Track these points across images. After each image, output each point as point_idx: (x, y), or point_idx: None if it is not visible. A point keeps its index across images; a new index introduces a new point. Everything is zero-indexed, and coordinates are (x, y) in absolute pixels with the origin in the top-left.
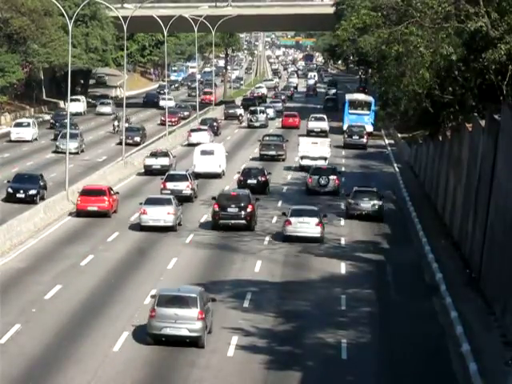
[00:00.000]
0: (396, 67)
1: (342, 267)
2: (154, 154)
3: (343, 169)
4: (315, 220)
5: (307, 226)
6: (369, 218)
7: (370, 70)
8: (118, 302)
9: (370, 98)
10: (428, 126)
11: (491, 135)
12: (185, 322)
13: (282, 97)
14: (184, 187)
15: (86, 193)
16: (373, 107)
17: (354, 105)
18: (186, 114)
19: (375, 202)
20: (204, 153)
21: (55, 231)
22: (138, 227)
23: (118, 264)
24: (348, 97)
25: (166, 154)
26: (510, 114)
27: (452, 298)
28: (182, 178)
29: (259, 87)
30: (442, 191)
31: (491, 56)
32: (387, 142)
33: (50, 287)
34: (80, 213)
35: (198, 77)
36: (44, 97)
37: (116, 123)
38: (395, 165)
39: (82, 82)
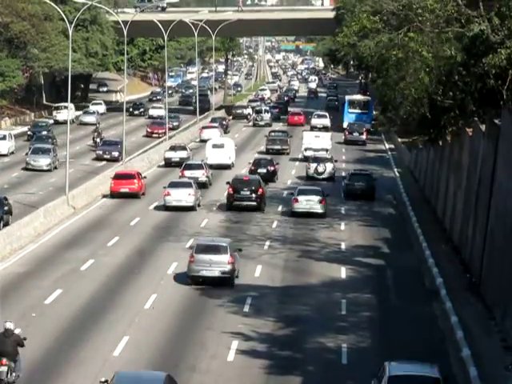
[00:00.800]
0: (396, 72)
1: (343, 272)
2: (172, 148)
3: (343, 173)
4: (319, 198)
5: (312, 203)
6: (362, 196)
7: (370, 75)
8: (118, 307)
9: (368, 98)
10: (428, 131)
11: (491, 140)
12: (218, 265)
13: (286, 98)
14: (200, 175)
15: (119, 177)
16: (371, 107)
17: (353, 104)
18: (175, 124)
19: (368, 182)
20: (215, 146)
21: (55, 236)
22: (136, 232)
23: (118, 269)
24: (347, 97)
25: (183, 148)
26: (510, 119)
27: (452, 303)
28: (198, 166)
29: (263, 89)
30: (442, 196)
31: (491, 61)
32: (387, 146)
33: (50, 292)
34: (113, 194)
35: (195, 82)
36: (44, 101)
37: (96, 135)
38: (395, 169)
39: (83, 86)
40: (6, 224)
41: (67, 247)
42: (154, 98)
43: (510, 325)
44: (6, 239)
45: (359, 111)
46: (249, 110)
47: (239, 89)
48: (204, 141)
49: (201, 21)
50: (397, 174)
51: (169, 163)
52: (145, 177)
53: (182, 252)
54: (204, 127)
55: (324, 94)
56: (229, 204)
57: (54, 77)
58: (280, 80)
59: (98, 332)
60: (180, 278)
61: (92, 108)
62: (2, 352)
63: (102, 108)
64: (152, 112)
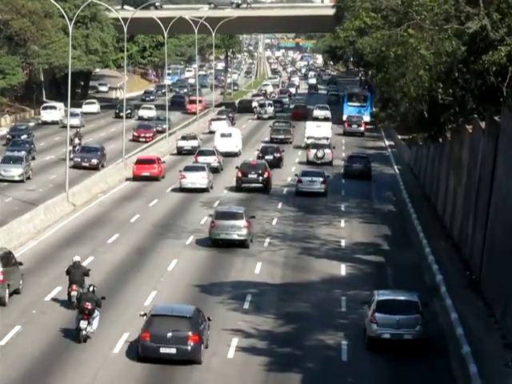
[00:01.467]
0: (396, 69)
1: (342, 269)
2: (184, 138)
3: (343, 170)
4: (320, 179)
5: (314, 184)
6: (360, 176)
7: (370, 72)
8: (118, 304)
9: (366, 92)
10: (428, 128)
11: (491, 137)
12: (235, 229)
13: (287, 93)
14: (212, 160)
15: (140, 162)
16: (369, 100)
17: (352, 98)
18: (164, 126)
19: (365, 164)
20: (223, 135)
21: (55, 233)
22: (136, 229)
23: (118, 266)
24: (347, 91)
25: (194, 137)
26: (510, 116)
27: (452, 300)
28: (211, 153)
29: (265, 85)
30: (442, 193)
31: (491, 58)
32: (387, 143)
33: (50, 289)
34: (136, 178)
35: (192, 81)
36: (44, 98)
37: (76, 141)
38: (395, 166)
39: (82, 83)
40: None
41: (67, 244)
42: (147, 98)
43: (510, 322)
44: (6, 236)
45: (358, 104)
46: (255, 103)
47: (236, 87)
48: (212, 132)
49: (201, 18)
50: (397, 171)
51: (181, 151)
52: (164, 162)
53: (182, 249)
54: (213, 119)
55: (324, 91)
56: (238, 186)
57: (54, 74)
58: (280, 76)
59: (97, 329)
60: (180, 274)
61: (85, 108)
62: (73, 280)
63: (95, 107)
64: (142, 113)
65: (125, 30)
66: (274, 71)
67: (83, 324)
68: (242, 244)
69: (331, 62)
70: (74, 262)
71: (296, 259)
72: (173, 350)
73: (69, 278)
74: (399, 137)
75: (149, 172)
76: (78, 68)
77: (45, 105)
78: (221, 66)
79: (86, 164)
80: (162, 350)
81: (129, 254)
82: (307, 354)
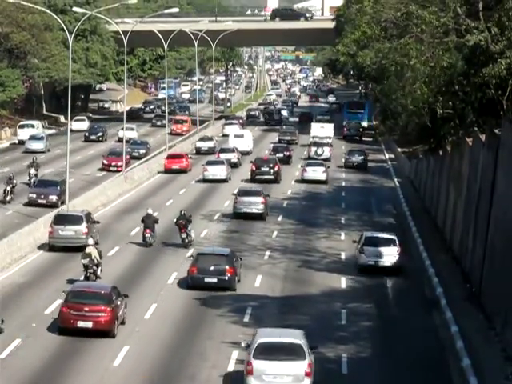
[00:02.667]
0: (396, 81)
1: (343, 282)
2: (202, 139)
3: (343, 183)
4: (322, 169)
5: (317, 173)
6: (358, 167)
7: (370, 85)
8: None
9: (364, 101)
10: (428, 141)
11: (491, 150)
12: (255, 205)
13: (290, 102)
14: (232, 157)
15: (171, 157)
16: (367, 108)
17: (352, 106)
18: (141, 152)
19: (362, 157)
20: (236, 136)
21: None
22: (136, 242)
23: (118, 278)
24: (346, 100)
25: (211, 139)
26: (510, 129)
27: (452, 313)
28: (231, 150)
29: (269, 94)
30: (443, 206)
31: (491, 71)
32: (387, 156)
33: (51, 302)
34: (167, 171)
35: (187, 96)
36: (44, 111)
37: (33, 171)
38: (395, 179)
39: (83, 96)
40: None
41: (68, 257)
42: (147, 108)
43: (510, 335)
44: (7, 249)
45: (356, 111)
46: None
47: (228, 104)
48: (226, 135)
49: (201, 31)
50: (397, 183)
51: (199, 151)
52: (191, 157)
53: (183, 262)
54: (225, 124)
55: (323, 102)
56: (252, 177)
57: (54, 87)
58: (280, 88)
59: (97, 341)
60: (180, 287)
61: (75, 125)
62: (147, 226)
63: (85, 125)
64: (122, 134)
65: (125, 43)
66: (274, 82)
67: (183, 235)
68: (259, 216)
69: (331, 75)
70: (147, 214)
71: (296, 272)
72: (214, 280)
73: (143, 224)
74: (399, 149)
75: (178, 165)
76: (78, 81)
77: (21, 123)
78: (219, 79)
79: (43, 201)
80: (206, 280)
81: (129, 267)
82: None
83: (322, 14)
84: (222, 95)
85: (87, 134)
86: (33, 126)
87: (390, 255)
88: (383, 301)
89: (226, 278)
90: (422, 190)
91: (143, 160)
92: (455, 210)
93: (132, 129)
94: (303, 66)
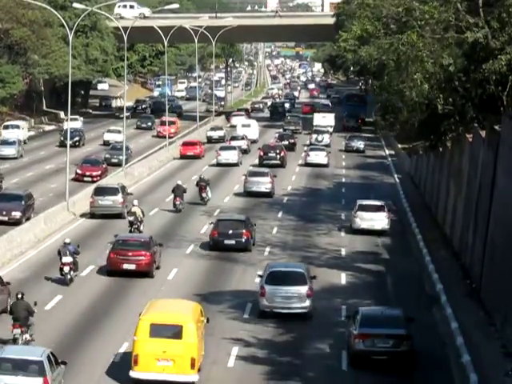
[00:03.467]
0: (396, 77)
1: (343, 278)
2: (213, 129)
3: (343, 180)
4: (324, 153)
5: (319, 157)
6: (357, 152)
7: (370, 81)
8: (118, 313)
9: (362, 94)
10: (428, 137)
11: (491, 146)
12: (263, 184)
13: (292, 96)
14: (243, 144)
15: (186, 144)
16: (365, 100)
17: (351, 98)
18: (120, 158)
19: (361, 141)
20: (244, 125)
21: (56, 242)
22: None
23: (118, 274)
24: (346, 92)
25: (221, 128)
26: (510, 125)
27: (452, 309)
28: (241, 138)
29: (271, 88)
30: (443, 202)
31: (491, 67)
32: (387, 152)
33: (51, 298)
34: (182, 156)
35: (183, 93)
36: (44, 107)
37: None
38: (395, 175)
39: (83, 92)
40: None
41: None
42: (140, 108)
43: (510, 331)
44: (7, 245)
45: (355, 103)
46: (266, 101)
47: (222, 103)
48: (233, 126)
49: (201, 27)
50: (397, 180)
51: (210, 140)
52: (204, 143)
53: (183, 258)
54: (233, 115)
55: (323, 96)
56: (260, 162)
57: (55, 83)
58: (280, 82)
59: (98, 337)
60: (180, 284)
61: (67, 126)
62: (177, 195)
63: (78, 124)
64: (108, 137)
65: (125, 39)
66: (274, 77)
67: (204, 194)
68: (267, 194)
69: (331, 71)
70: (177, 184)
71: None
72: (233, 242)
73: (173, 194)
74: (399, 146)
75: (192, 152)
76: (78, 77)
77: (6, 123)
78: (217, 77)
79: (5, 218)
80: (226, 242)
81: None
82: (307, 363)
83: (322, 10)
84: (218, 93)
85: (62, 139)
86: (18, 127)
87: (380, 220)
88: (383, 297)
89: (243, 240)
90: (422, 186)
91: (140, 158)
92: (455, 206)
93: (118, 131)
94: (302, 61)
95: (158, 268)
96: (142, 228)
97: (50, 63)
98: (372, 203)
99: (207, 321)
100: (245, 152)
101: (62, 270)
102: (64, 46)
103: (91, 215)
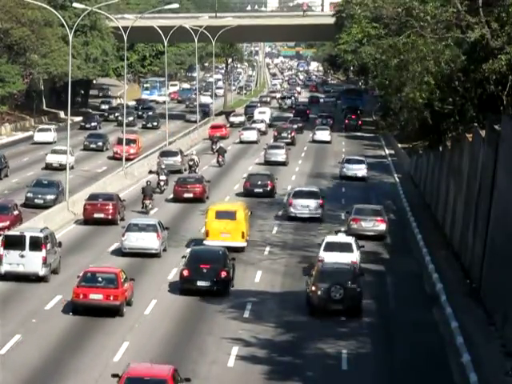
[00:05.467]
0: (397, 77)
1: None
2: (235, 115)
3: (343, 179)
4: (327, 132)
5: (323, 136)
6: (355, 129)
7: (369, 81)
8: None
9: (359, 88)
10: (428, 136)
11: (491, 145)
12: (279, 155)
13: (295, 90)
14: (261, 126)
15: (214, 127)
16: (362, 94)
17: (349, 92)
18: (49, 198)
19: (356, 121)
20: (260, 112)
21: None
22: None
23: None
24: (344, 87)
25: (241, 115)
26: (510, 125)
27: (452, 309)
28: (260, 121)
29: (274, 84)
30: (443, 201)
31: (491, 66)
32: (387, 152)
33: (51, 297)
34: (211, 138)
35: (166, 98)
36: (44, 107)
37: None
38: (395, 175)
39: (83, 92)
40: None
41: (67, 253)
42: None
43: (510, 331)
44: None
45: (353, 96)
46: (275, 94)
47: (207, 109)
48: (248, 115)
49: (201, 26)
50: (397, 179)
51: (232, 125)
52: (230, 126)
53: (181, 259)
54: (247, 106)
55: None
56: (274, 140)
57: (54, 82)
58: (279, 79)
59: (98, 337)
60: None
61: (38, 136)
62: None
63: (50, 136)
64: (51, 159)
65: (125, 38)
66: (273, 75)
67: (220, 159)
68: (283, 164)
69: (331, 71)
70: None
71: (296, 268)
72: (260, 190)
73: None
74: (399, 145)
75: (219, 133)
76: (78, 77)
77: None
78: (214, 78)
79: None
80: (255, 190)
81: (129, 263)
82: (307, 363)
83: (322, 10)
84: (204, 99)
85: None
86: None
87: (360, 169)
88: (383, 296)
89: (268, 189)
90: (421, 185)
91: (140, 157)
92: (455, 206)
93: (65, 152)
94: (301, 60)
95: (207, 197)
96: (197, 170)
97: (50, 63)
98: (354, 157)
99: (251, 214)
100: (263, 133)
101: (144, 205)
102: (64, 45)
103: (157, 173)
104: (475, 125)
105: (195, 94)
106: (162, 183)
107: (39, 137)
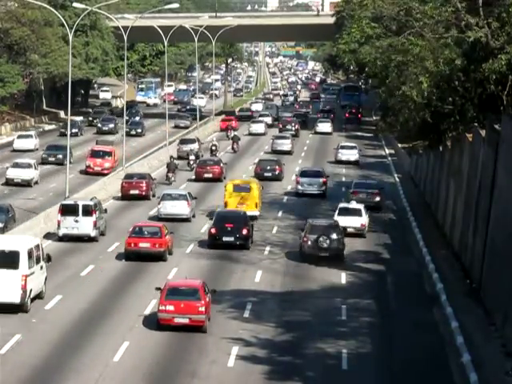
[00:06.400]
0: (396, 77)
1: (343, 277)
2: (242, 110)
3: (343, 179)
4: (329, 124)
5: (325, 127)
6: (352, 122)
7: (370, 81)
8: (118, 312)
9: (357, 85)
10: (428, 136)
11: (491, 145)
12: (285, 145)
13: (296, 88)
14: (268, 120)
15: (225, 120)
16: (359, 90)
17: (347, 88)
18: (10, 216)
19: (353, 113)
20: (268, 107)
21: (55, 241)
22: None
23: (118, 274)
24: (343, 84)
25: (248, 110)
26: (510, 125)
27: (452, 309)
28: (267, 115)
29: (275, 82)
30: (443, 201)
31: (491, 66)
32: (387, 151)
33: (51, 297)
34: (222, 130)
35: (156, 101)
36: (44, 107)
37: None
38: (395, 175)
39: (83, 92)
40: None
41: (67, 253)
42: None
43: (511, 330)
44: None
45: (351, 93)
46: (277, 91)
47: (181, 124)
48: (252, 110)
49: (201, 26)
50: (397, 179)
51: (240, 119)
52: (239, 120)
53: (183, 257)
54: (252, 102)
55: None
56: (279, 132)
57: (55, 82)
58: (278, 77)
59: (98, 337)
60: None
61: (17, 143)
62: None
63: (31, 142)
64: (12, 174)
65: (125, 38)
66: (273, 73)
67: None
68: (289, 152)
69: (331, 71)
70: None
71: (296, 267)
72: (270, 174)
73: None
74: (399, 145)
75: (231, 124)
76: (78, 76)
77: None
78: (210, 79)
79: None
80: (265, 174)
81: (129, 263)
82: (307, 363)
83: (323, 10)
84: (196, 102)
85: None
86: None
87: (353, 154)
88: (383, 296)
89: (276, 172)
90: (422, 185)
91: (140, 157)
92: (455, 206)
93: (28, 165)
94: (300, 60)
95: (224, 177)
96: (217, 154)
97: (50, 62)
98: (346, 144)
99: (262, 188)
100: (271, 126)
101: (168, 177)
102: (64, 45)
103: (178, 157)
104: (475, 125)
105: (193, 95)
106: (191, 162)
107: (19, 144)
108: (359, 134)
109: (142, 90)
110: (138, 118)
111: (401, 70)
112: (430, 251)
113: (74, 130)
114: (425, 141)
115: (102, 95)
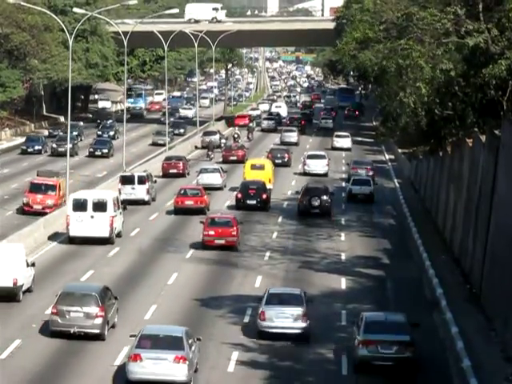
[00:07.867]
0: (396, 82)
1: (343, 282)
2: (252, 109)
3: (343, 184)
4: (330, 121)
5: (327, 124)
6: (351, 116)
7: (370, 86)
8: (118, 317)
9: (352, 87)
10: (428, 142)
11: (492, 151)
12: (292, 137)
13: (295, 91)
14: (277, 118)
15: (239, 116)
16: (353, 92)
17: (343, 90)
18: None
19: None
20: (277, 107)
21: (55, 246)
22: (138, 243)
23: (118, 279)
24: (339, 87)
25: (258, 109)
26: (510, 130)
27: (452, 314)
28: (276, 114)
29: (276, 85)
30: (443, 207)
31: (491, 71)
32: (387, 157)
33: (51, 302)
34: (236, 125)
35: (156, 106)
36: (44, 112)
37: None
38: (395, 180)
39: (83, 97)
40: None
41: (67, 258)
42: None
43: (511, 336)
44: None
45: (346, 94)
46: (280, 93)
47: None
48: (262, 110)
49: (201, 31)
50: (397, 184)
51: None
52: (253, 119)
53: (183, 262)
54: (259, 103)
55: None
56: (286, 127)
57: (55, 88)
58: (278, 80)
59: (98, 342)
60: (180, 288)
61: None
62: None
63: None
64: None
65: (125, 43)
66: (272, 77)
67: (238, 138)
68: (295, 144)
69: (331, 76)
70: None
71: (296, 273)
72: (280, 161)
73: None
74: (399, 150)
75: (243, 122)
76: (78, 82)
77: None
78: (205, 86)
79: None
80: (276, 161)
81: (129, 268)
82: (308, 368)
83: (323, 15)
84: (184, 112)
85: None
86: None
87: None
88: (383, 301)
89: (285, 159)
90: (422, 190)
91: (141, 162)
92: (455, 211)
93: None
94: (299, 65)
95: (247, 159)
96: (239, 140)
97: (50, 68)
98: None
99: (275, 167)
100: (279, 124)
101: (208, 155)
102: (64, 50)
103: (203, 147)
104: (475, 130)
105: (191, 102)
106: (235, 135)
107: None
108: (359, 139)
109: (130, 96)
110: (110, 134)
111: (400, 75)
112: (430, 256)
113: (36, 147)
114: (425, 146)
115: (101, 104)
